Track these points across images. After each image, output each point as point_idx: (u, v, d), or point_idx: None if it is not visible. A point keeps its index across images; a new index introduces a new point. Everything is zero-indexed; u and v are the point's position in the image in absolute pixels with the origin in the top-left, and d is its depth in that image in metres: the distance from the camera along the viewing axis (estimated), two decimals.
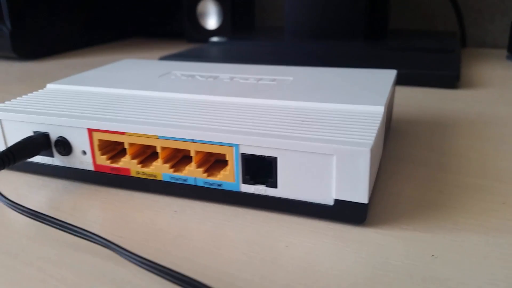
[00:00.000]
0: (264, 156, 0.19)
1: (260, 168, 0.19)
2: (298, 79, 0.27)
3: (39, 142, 0.22)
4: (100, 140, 0.21)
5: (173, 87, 0.25)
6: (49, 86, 0.27)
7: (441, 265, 0.16)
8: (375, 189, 0.21)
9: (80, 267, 0.16)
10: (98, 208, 0.20)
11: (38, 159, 0.23)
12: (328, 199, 0.18)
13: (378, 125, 0.19)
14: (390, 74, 0.27)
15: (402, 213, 0.19)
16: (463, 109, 0.32)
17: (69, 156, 0.22)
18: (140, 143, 0.21)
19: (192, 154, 0.20)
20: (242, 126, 0.19)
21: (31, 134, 0.23)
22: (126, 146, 0.21)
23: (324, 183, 0.18)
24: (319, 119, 0.20)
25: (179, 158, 0.21)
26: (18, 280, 0.16)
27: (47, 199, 0.21)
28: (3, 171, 0.24)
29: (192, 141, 0.19)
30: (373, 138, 0.18)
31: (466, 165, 0.23)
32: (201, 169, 0.20)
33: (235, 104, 0.22)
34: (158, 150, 0.20)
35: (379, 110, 0.21)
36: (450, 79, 0.36)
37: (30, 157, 0.22)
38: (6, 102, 0.24)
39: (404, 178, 0.22)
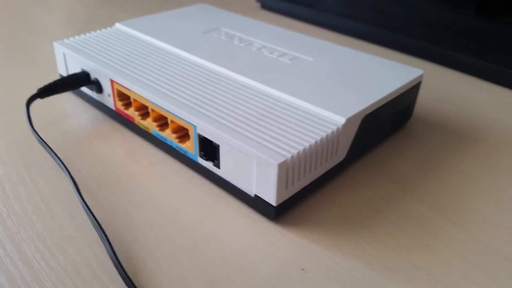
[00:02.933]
0: (212, 141, 0.21)
1: (211, 148, 0.22)
2: (317, 61, 0.27)
3: (81, 78, 0.28)
4: (118, 90, 0.26)
5: (201, 49, 0.28)
6: (117, 25, 0.33)
7: (300, 280, 0.18)
8: (316, 193, 0.22)
9: (53, 186, 0.22)
10: (104, 144, 0.26)
11: (86, 90, 0.29)
12: (251, 192, 0.21)
13: (321, 136, 0.20)
14: (408, 75, 0.26)
15: (320, 222, 0.21)
16: (510, 122, 0.29)
17: (101, 94, 0.28)
18: (139, 101, 0.25)
19: (169, 121, 0.24)
20: (209, 108, 0.22)
21: (80, 70, 0.28)
22: (131, 100, 0.26)
23: (249, 177, 0.20)
24: (279, 116, 0.22)
25: None
26: None
27: (79, 123, 0.28)
28: (70, 93, 0.31)
29: (168, 111, 0.23)
30: (295, 152, 0.19)
31: (435, 191, 0.23)
32: (174, 135, 0.24)
33: (229, 80, 0.25)
34: (149, 110, 0.25)
35: (339, 120, 0.21)
36: None
37: (74, 89, 0.28)
38: (76, 37, 0.30)
39: (356, 187, 0.23)
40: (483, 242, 0.20)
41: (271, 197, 0.20)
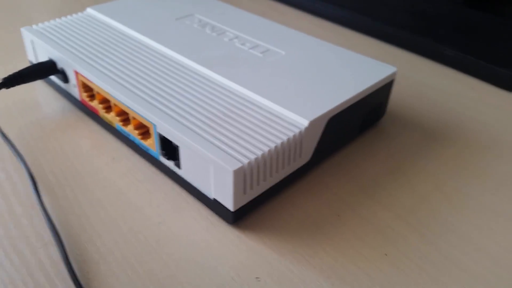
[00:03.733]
0: (171, 141, 0.21)
1: (171, 148, 0.22)
2: (288, 55, 0.26)
3: (48, 68, 0.27)
4: (82, 81, 0.25)
5: (170, 38, 0.27)
6: (88, 10, 0.31)
7: None
8: (279, 195, 0.22)
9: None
10: (69, 137, 0.25)
11: (55, 79, 0.28)
12: (210, 195, 0.20)
13: (282, 140, 0.20)
14: (380, 73, 0.25)
15: (280, 226, 0.20)
16: (487, 123, 0.29)
17: (68, 84, 0.27)
18: (102, 94, 0.24)
19: (130, 118, 0.23)
20: (170, 105, 0.22)
21: (47, 59, 0.28)
22: (95, 92, 0.25)
23: (208, 180, 0.20)
24: (241, 115, 0.21)
25: None
26: None
27: (46, 113, 0.27)
28: (41, 81, 0.30)
29: (129, 108, 0.22)
30: (253, 157, 0.19)
31: (399, 196, 0.22)
32: (137, 131, 0.23)
33: (195, 74, 0.24)
34: (112, 105, 0.24)
35: (302, 123, 0.21)
36: (506, 80, 0.31)
37: (41, 78, 0.27)
38: (46, 23, 0.29)
39: (320, 190, 0.22)
40: (443, 252, 0.20)
41: (228, 202, 0.19)
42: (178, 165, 0.21)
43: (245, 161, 0.19)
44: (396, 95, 0.31)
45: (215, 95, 0.23)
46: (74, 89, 0.27)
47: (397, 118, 0.28)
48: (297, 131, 0.21)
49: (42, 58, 0.28)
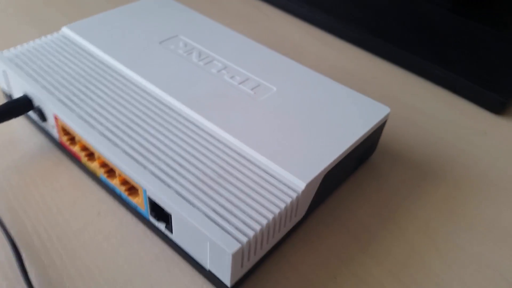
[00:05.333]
0: (163, 208, 0.20)
1: (163, 213, 0.21)
2: (280, 92, 0.25)
3: (23, 105, 0.25)
4: (61, 125, 0.24)
5: (154, 70, 0.26)
6: (64, 30, 0.29)
7: None
8: (276, 254, 0.22)
9: None
10: (50, 185, 0.24)
11: (32, 115, 0.26)
12: (205, 265, 0.20)
13: (279, 209, 0.19)
14: (375, 116, 0.24)
15: None
16: (475, 155, 0.28)
17: (46, 122, 0.25)
18: (84, 144, 0.23)
19: (117, 175, 0.22)
20: (160, 164, 0.21)
21: (22, 93, 0.26)
22: (76, 139, 0.23)
23: (203, 253, 0.19)
24: (237, 177, 0.20)
25: None
26: None
27: (23, 154, 0.25)
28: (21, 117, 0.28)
29: (116, 166, 0.21)
30: (251, 234, 0.18)
31: (393, 249, 0.22)
32: (124, 187, 0.22)
33: (183, 119, 0.23)
34: (95, 156, 0.23)
35: (299, 185, 0.20)
36: (494, 103, 0.31)
37: (16, 117, 0.25)
38: (18, 47, 0.27)
39: (314, 244, 0.22)
40: None
41: (225, 278, 0.19)
42: (170, 229, 0.21)
43: (244, 240, 0.18)
44: (389, 125, 0.30)
45: (207, 148, 0.22)
46: (53, 129, 0.25)
47: (388, 151, 0.28)
48: (294, 195, 0.20)
49: (16, 89, 0.26)
